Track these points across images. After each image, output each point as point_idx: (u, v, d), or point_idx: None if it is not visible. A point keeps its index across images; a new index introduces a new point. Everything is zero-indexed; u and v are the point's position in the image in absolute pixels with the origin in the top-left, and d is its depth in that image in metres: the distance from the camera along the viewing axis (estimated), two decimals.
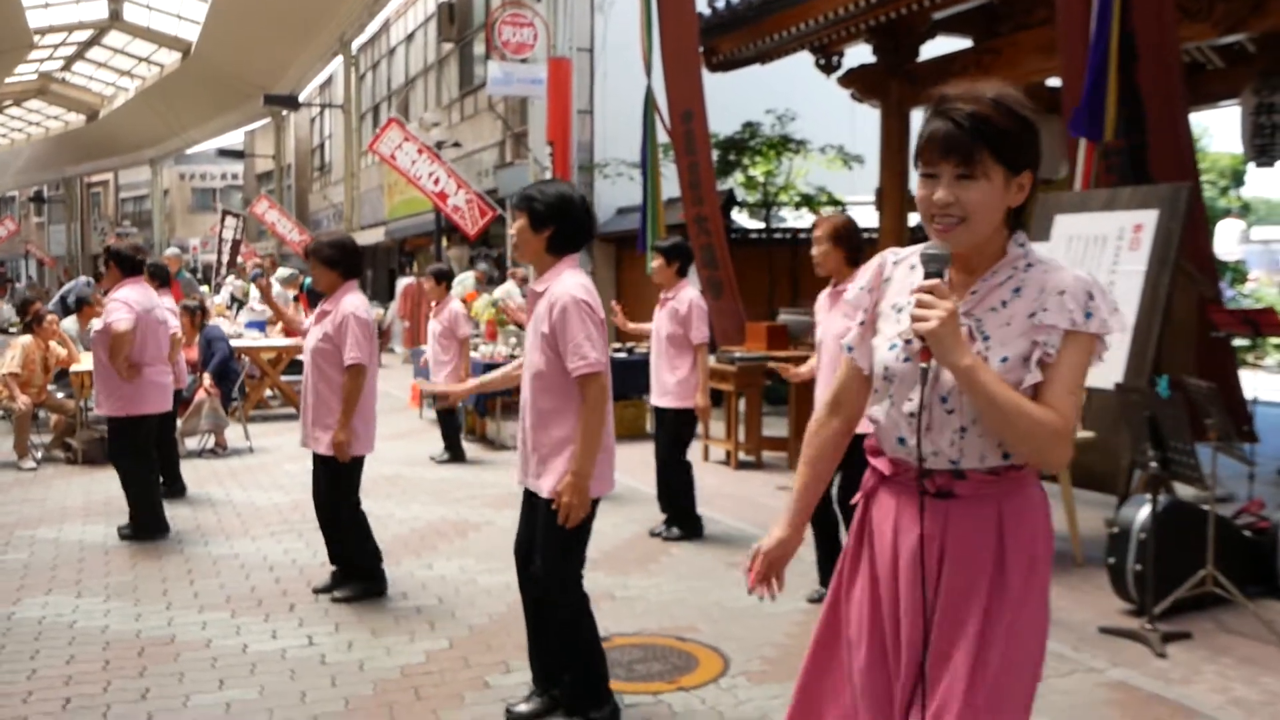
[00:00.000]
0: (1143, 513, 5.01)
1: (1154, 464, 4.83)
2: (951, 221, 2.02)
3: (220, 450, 9.40)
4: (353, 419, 5.09)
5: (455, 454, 9.20)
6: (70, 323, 10.92)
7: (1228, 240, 23.67)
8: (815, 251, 5.09)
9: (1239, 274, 25.48)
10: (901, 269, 2.21)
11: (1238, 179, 30.66)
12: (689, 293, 6.55)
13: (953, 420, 2.07)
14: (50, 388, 9.63)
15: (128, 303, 6.43)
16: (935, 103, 2.06)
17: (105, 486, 8.04)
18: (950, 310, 1.95)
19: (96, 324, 6.64)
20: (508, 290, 13.22)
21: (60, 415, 9.46)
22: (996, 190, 2.00)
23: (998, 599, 2.06)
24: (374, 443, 5.32)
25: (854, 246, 5.06)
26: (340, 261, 5.21)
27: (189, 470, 8.56)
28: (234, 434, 9.86)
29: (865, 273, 2.28)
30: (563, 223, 3.61)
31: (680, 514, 6.57)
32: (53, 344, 9.52)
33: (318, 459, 5.27)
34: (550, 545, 3.64)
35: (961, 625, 2.06)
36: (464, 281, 14.86)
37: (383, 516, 7.02)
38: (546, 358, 3.55)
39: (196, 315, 9.61)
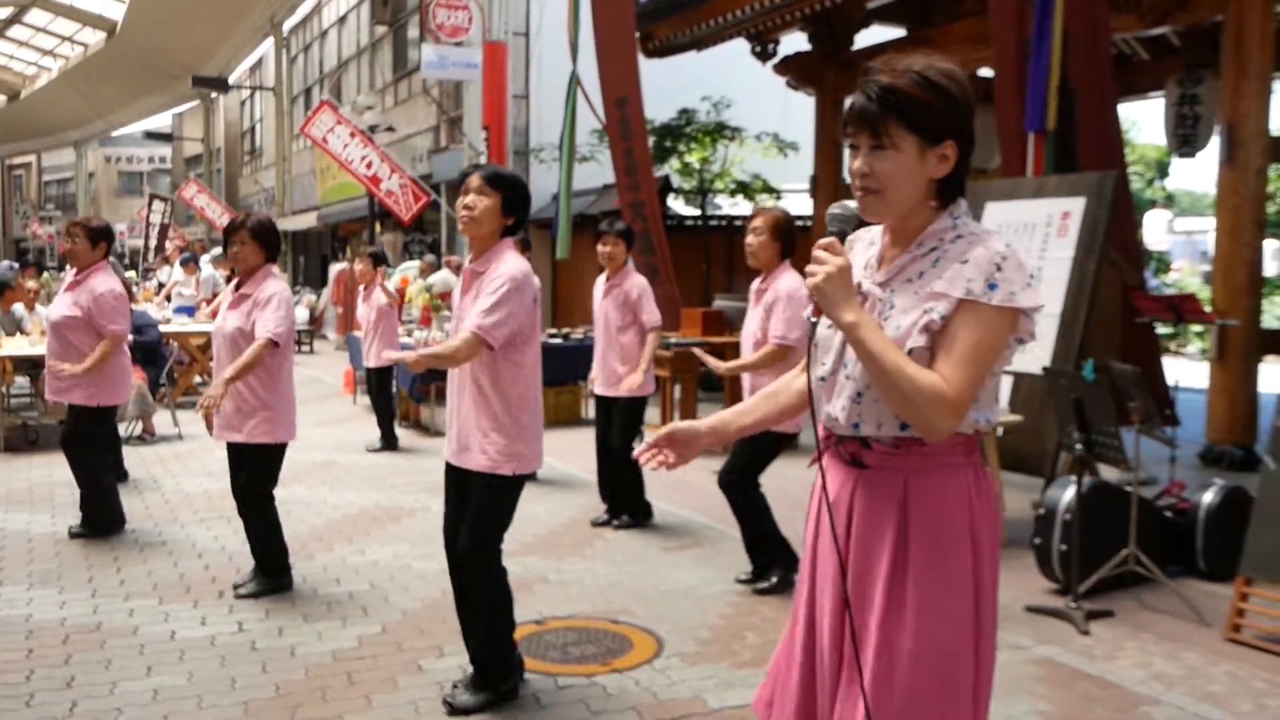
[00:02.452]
0: (1068, 494, 5.12)
1: (1079, 446, 4.94)
2: (870, 192, 2.02)
3: (148, 437, 9.21)
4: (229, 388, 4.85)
5: (389, 442, 9.10)
6: None
7: (1154, 230, 24.22)
8: (752, 241, 5.09)
9: (1163, 264, 26.16)
10: (860, 245, 2.21)
11: (1163, 171, 31.42)
12: (637, 278, 6.38)
13: (849, 385, 2.06)
14: None
15: (121, 297, 6.05)
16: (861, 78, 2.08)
17: (26, 474, 7.85)
18: (840, 266, 1.96)
19: (54, 309, 6.11)
20: (444, 278, 13.11)
21: None
22: (909, 161, 1.98)
23: (898, 577, 2.02)
24: (295, 430, 5.16)
25: (790, 241, 5.10)
26: (263, 239, 5.05)
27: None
28: (163, 420, 9.67)
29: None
30: (525, 209, 3.75)
31: (631, 503, 6.46)
32: None
33: (232, 449, 5.07)
34: (473, 521, 3.69)
35: (867, 600, 2.05)
36: (408, 271, 14.68)
37: (315, 503, 6.96)
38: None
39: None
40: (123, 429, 9.13)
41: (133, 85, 34.93)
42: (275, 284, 5.04)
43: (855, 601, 2.06)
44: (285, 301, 5.00)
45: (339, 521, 6.52)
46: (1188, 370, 13.27)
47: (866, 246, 2.18)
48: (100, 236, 6.14)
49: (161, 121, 42.29)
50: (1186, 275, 25.88)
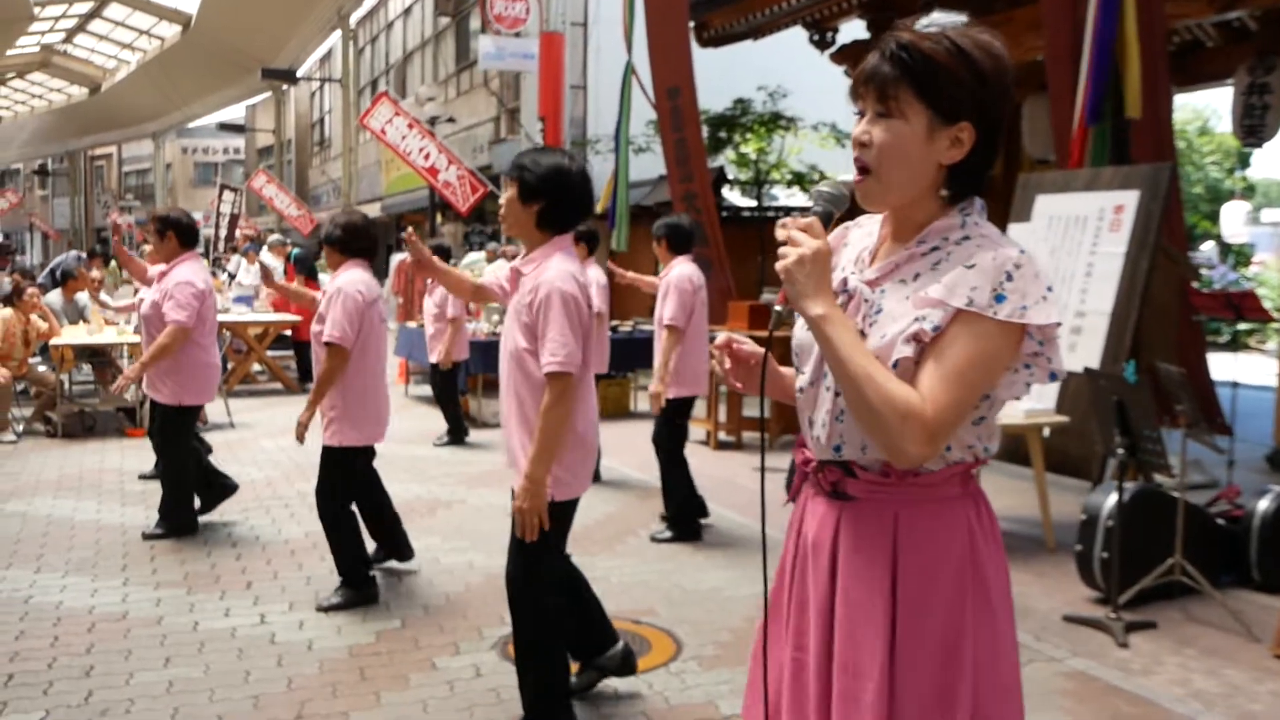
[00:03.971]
0: (1110, 499, 4.93)
1: (1121, 451, 4.76)
2: (864, 168, 1.75)
3: (200, 425, 9.32)
4: (321, 401, 4.71)
5: (456, 436, 9.06)
6: (55, 296, 10.88)
7: (1233, 222, 23.39)
8: None
9: (1243, 257, 25.26)
10: (856, 234, 1.94)
11: (1243, 160, 30.38)
12: (674, 271, 6.06)
13: (829, 399, 1.80)
14: (32, 361, 9.59)
15: (195, 288, 5.80)
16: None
17: (79, 460, 8.01)
18: (816, 250, 1.68)
19: (147, 297, 5.97)
20: (495, 269, 13.09)
21: (41, 389, 9.42)
22: (915, 136, 1.70)
23: (891, 631, 1.76)
24: (381, 434, 4.93)
25: None
26: (336, 239, 4.92)
27: None
28: (215, 409, 9.77)
29: (831, 234, 1.95)
30: (555, 196, 3.25)
31: (674, 514, 6.07)
32: (34, 317, 9.46)
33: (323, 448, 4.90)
34: (516, 547, 3.38)
35: (864, 667, 1.76)
36: (475, 264, 14.61)
37: None
38: (526, 344, 3.25)
39: None
40: None
41: (207, 77, 35.59)
42: (343, 278, 4.80)
43: (845, 652, 1.79)
44: (347, 299, 4.69)
45: None
46: (1264, 368, 12.79)
47: (863, 237, 1.91)
48: (165, 226, 5.91)
49: (235, 113, 43.07)
50: (1270, 269, 24.97)
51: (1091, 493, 5.32)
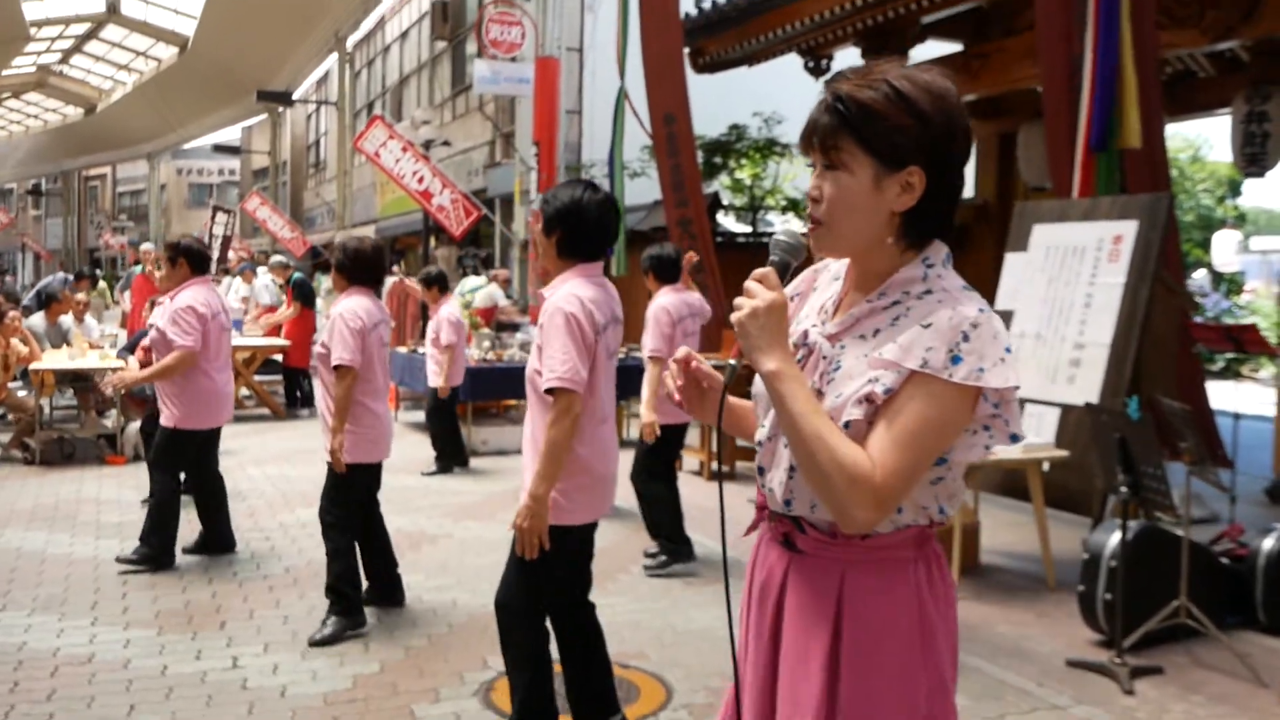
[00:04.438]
0: (1113, 539, 4.79)
1: (1124, 488, 4.61)
2: (815, 219, 1.72)
3: None
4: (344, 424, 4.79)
5: (446, 465, 8.90)
6: (38, 319, 10.71)
7: (1225, 251, 23.34)
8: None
9: (1235, 285, 25.21)
10: (825, 278, 1.89)
11: (1234, 188, 30.42)
12: (656, 301, 6.07)
13: (786, 455, 1.74)
14: (12, 385, 9.42)
15: (196, 312, 5.73)
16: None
17: (56, 489, 7.83)
18: (770, 303, 1.63)
19: (160, 322, 5.84)
20: (488, 294, 12.98)
21: (19, 414, 9.25)
22: (862, 186, 1.66)
23: (831, 687, 1.71)
24: (380, 453, 4.98)
25: None
26: (343, 266, 5.06)
27: (144, 471, 8.35)
28: None
29: (799, 278, 1.97)
30: (571, 227, 3.36)
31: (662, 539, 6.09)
32: (14, 341, 9.30)
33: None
34: (511, 571, 3.43)
35: (799, 709, 1.74)
36: (477, 290, 14.14)
37: None
38: (536, 365, 3.34)
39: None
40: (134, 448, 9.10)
41: (203, 99, 35.62)
42: (342, 304, 4.92)
43: (785, 706, 1.76)
44: (346, 324, 4.79)
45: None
46: (1259, 398, 12.67)
47: (829, 282, 1.86)
48: (177, 254, 5.92)
49: (231, 135, 43.11)
50: (1261, 296, 24.92)
51: (1093, 531, 5.18)
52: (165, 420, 5.86)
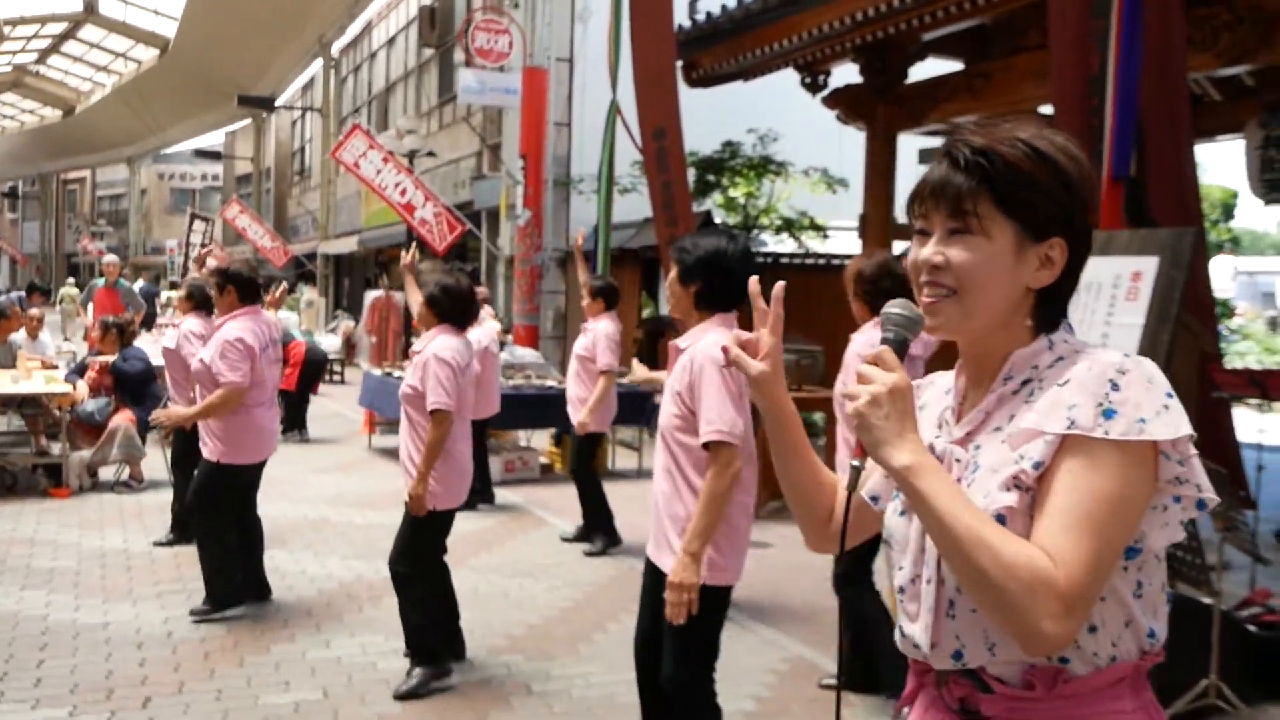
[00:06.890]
0: None
1: None
2: (941, 293, 1.45)
3: (135, 484, 8.52)
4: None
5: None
6: None
7: (1221, 278, 23.15)
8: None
9: (1227, 310, 25.02)
10: (933, 393, 1.63)
11: (1228, 212, 30.31)
12: (600, 325, 7.21)
13: (932, 591, 1.44)
14: None
15: (245, 344, 5.33)
16: (945, 140, 1.51)
17: None
18: (892, 385, 1.37)
19: (205, 354, 5.46)
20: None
21: None
22: (1001, 255, 1.43)
23: None
24: (461, 496, 4.69)
25: (880, 293, 4.48)
26: (438, 302, 4.67)
27: (91, 505, 7.81)
28: (155, 464, 8.78)
29: None
30: (712, 278, 3.26)
31: (597, 526, 7.12)
32: None
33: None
34: (673, 643, 3.23)
35: None
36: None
37: (292, 574, 6.30)
38: (682, 417, 3.23)
39: (112, 332, 8.78)
40: (111, 474, 8.62)
41: (185, 102, 35.10)
42: (436, 344, 4.58)
43: None
44: (443, 365, 4.50)
45: (312, 600, 5.83)
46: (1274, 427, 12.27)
47: (939, 396, 1.62)
48: (225, 280, 5.48)
49: (214, 139, 42.58)
50: (1250, 319, 24.70)
51: None
52: (209, 454, 5.43)
